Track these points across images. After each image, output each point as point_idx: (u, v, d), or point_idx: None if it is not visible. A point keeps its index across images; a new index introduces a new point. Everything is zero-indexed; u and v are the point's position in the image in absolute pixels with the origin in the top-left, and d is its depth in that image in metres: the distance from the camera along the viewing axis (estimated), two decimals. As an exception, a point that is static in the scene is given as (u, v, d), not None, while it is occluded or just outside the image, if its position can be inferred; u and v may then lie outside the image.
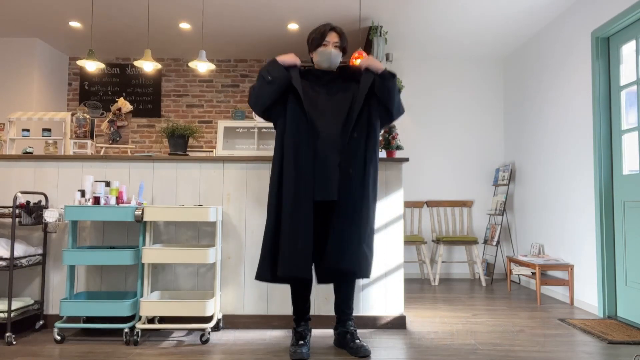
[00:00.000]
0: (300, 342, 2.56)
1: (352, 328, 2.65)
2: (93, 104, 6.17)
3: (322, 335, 2.93)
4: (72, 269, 2.90)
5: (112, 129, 3.97)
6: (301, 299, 2.64)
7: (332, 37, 2.59)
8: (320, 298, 3.11)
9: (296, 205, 2.41)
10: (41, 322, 3.01)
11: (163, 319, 3.04)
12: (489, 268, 5.29)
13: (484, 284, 4.98)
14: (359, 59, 4.28)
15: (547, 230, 4.55)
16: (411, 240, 5.06)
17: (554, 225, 4.43)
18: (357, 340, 2.59)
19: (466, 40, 5.17)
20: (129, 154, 4.26)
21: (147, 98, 6.18)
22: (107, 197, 2.89)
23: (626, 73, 3.56)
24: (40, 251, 3.03)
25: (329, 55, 2.58)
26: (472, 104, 5.70)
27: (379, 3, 4.36)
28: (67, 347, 2.66)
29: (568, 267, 4.04)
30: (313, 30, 2.66)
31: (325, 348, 2.69)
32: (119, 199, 2.94)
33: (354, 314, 2.79)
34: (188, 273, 3.13)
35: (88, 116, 3.88)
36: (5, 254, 2.79)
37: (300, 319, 2.65)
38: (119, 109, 3.99)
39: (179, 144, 3.42)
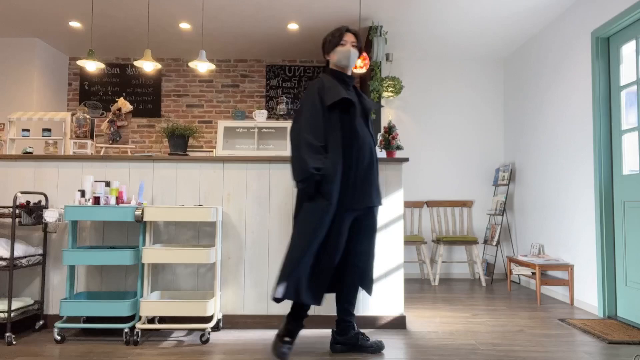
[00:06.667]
0: (287, 339, 2.47)
1: (356, 331, 2.64)
2: (93, 104, 6.17)
3: (322, 335, 2.93)
4: (72, 269, 2.90)
5: (112, 129, 3.97)
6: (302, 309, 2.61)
7: (350, 37, 2.64)
8: (320, 298, 3.11)
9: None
10: (41, 322, 3.01)
11: (163, 319, 3.04)
12: (489, 268, 5.28)
13: (484, 284, 4.98)
14: (358, 59, 4.28)
15: (547, 230, 4.55)
16: (411, 240, 5.06)
17: (554, 225, 4.43)
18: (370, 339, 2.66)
19: (466, 40, 5.17)
20: (129, 154, 4.26)
21: (147, 98, 6.18)
22: (107, 197, 2.89)
23: (626, 73, 3.56)
24: (40, 251, 3.03)
25: (349, 52, 2.60)
26: (472, 104, 5.70)
27: (379, 3, 4.36)
28: (67, 347, 2.66)
29: (568, 267, 4.04)
30: (329, 33, 2.69)
31: (325, 348, 2.69)
32: (119, 199, 2.94)
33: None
34: (188, 273, 3.13)
35: (88, 116, 3.88)
36: (5, 254, 2.79)
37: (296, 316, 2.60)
38: (119, 109, 4.00)
39: (179, 144, 3.42)
